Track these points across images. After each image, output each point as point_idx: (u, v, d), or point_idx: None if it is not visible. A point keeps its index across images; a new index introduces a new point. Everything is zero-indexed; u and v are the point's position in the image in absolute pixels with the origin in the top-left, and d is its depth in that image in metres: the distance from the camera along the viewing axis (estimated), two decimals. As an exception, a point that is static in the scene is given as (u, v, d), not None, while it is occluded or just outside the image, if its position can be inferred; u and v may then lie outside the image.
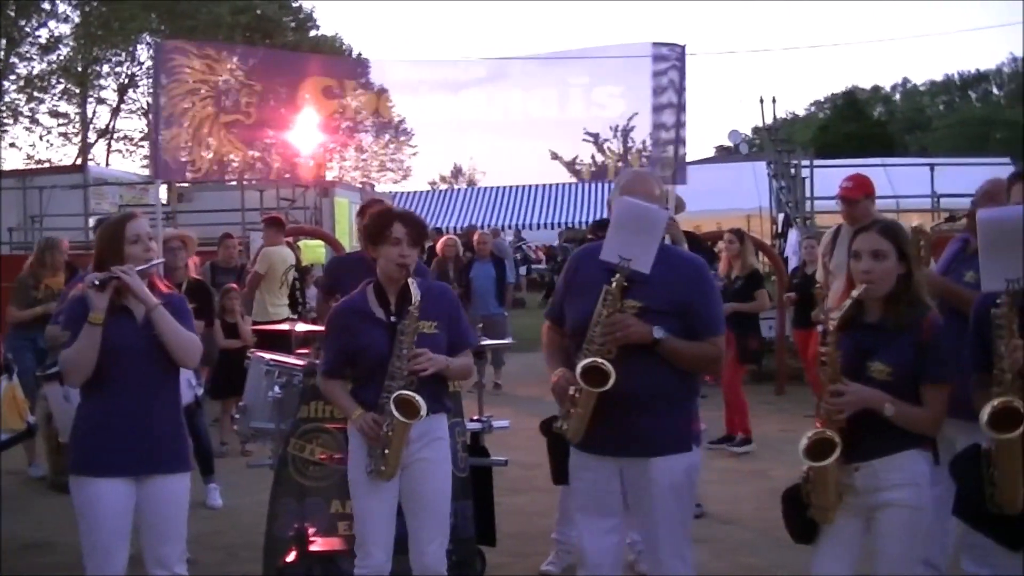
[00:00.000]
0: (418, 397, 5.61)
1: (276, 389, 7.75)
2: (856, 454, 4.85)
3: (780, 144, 23.42)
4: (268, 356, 8.18)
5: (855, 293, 4.92)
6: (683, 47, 10.82)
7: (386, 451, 5.72)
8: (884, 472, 4.92)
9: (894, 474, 4.92)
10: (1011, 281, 4.50)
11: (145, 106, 55.24)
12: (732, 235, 13.53)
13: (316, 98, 10.87)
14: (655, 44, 10.87)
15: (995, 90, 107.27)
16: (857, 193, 8.37)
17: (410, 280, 5.79)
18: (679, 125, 10.74)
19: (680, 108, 10.75)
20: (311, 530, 7.21)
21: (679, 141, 10.76)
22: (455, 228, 32.47)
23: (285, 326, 9.39)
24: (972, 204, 6.78)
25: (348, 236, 21.58)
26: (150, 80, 57.14)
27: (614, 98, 11.10)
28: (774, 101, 48.56)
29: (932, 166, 22.33)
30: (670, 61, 10.83)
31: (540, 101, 11.25)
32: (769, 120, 27.11)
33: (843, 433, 4.78)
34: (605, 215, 6.46)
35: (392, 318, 5.81)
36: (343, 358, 6.03)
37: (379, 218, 6.03)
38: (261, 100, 10.73)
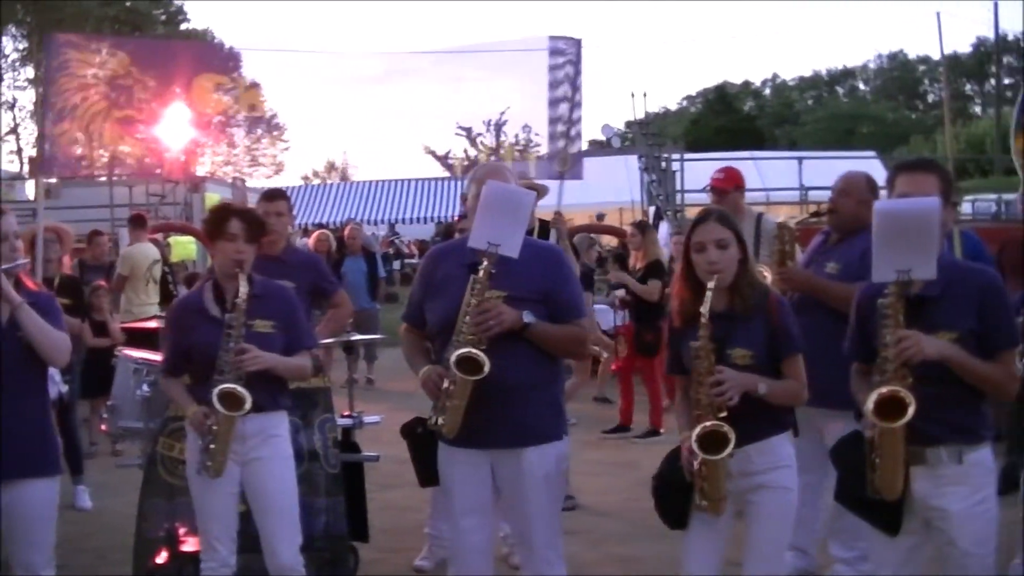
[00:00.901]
0: (240, 390, 5.55)
1: (144, 387, 7.62)
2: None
3: (651, 138, 23.67)
4: (136, 354, 8.04)
5: (711, 285, 5.01)
6: (579, 41, 10.83)
7: (212, 446, 5.69)
8: (757, 456, 5.08)
9: (766, 457, 5.10)
10: (901, 272, 4.58)
11: (11, 100, 54.09)
12: (635, 228, 13.66)
13: (205, 94, 10.71)
14: (552, 38, 10.87)
15: (861, 86, 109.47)
16: (728, 184, 8.51)
17: (242, 276, 5.75)
18: (573, 119, 10.76)
19: (575, 102, 10.77)
20: (181, 530, 7.09)
21: (574, 136, 10.79)
22: (331, 223, 32.25)
23: (153, 324, 9.27)
24: (830, 201, 6.91)
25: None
26: (15, 73, 56.27)
27: (512, 92, 11.08)
28: (645, 96, 49.07)
29: (800, 159, 22.72)
30: (567, 55, 10.84)
31: (421, 96, 11.19)
32: (641, 114, 27.38)
33: (728, 422, 4.89)
34: (460, 210, 6.48)
35: (226, 315, 5.76)
36: (180, 355, 5.99)
37: (216, 214, 6.03)
38: (154, 96, 10.55)
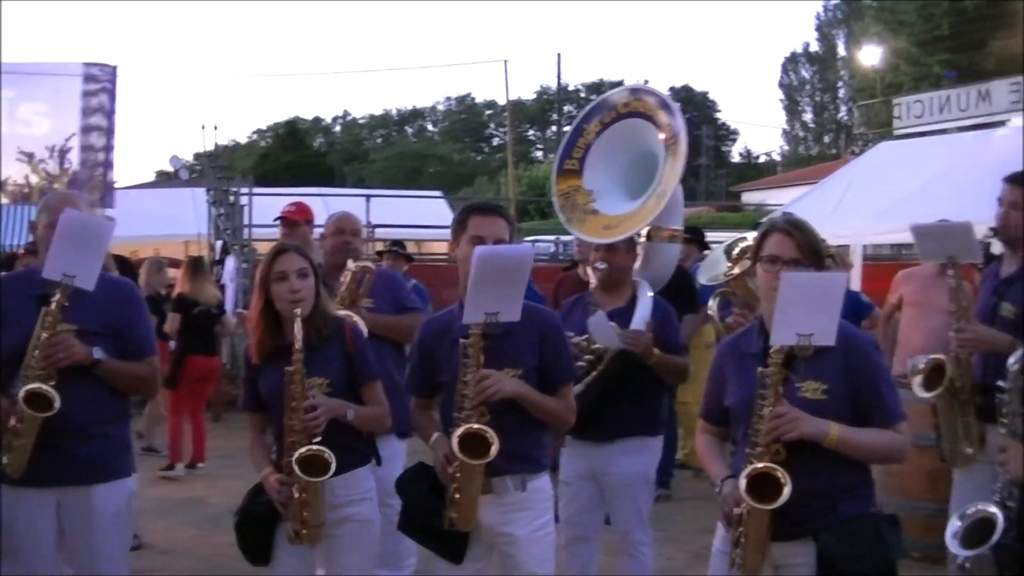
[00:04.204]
0: None
1: None
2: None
3: (220, 171, 23.37)
4: None
5: (297, 312, 5.06)
6: (114, 68, 10.61)
7: None
8: (341, 488, 5.15)
9: (350, 489, 5.20)
10: (489, 314, 4.75)
11: None
12: (189, 261, 13.52)
13: None
14: (86, 64, 10.60)
15: (430, 127, 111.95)
16: (299, 216, 8.56)
17: None
18: (108, 147, 10.52)
19: (109, 130, 10.54)
20: None
21: (107, 164, 10.55)
22: None
23: None
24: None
25: None
26: None
27: (40, 116, 10.72)
28: (216, 128, 48.59)
29: (368, 197, 22.94)
30: (101, 83, 10.61)
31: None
32: (210, 146, 27.12)
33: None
34: (29, 238, 6.28)
35: None
36: None
37: None
38: None
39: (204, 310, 12.75)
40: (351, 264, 7.13)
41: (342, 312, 6.64)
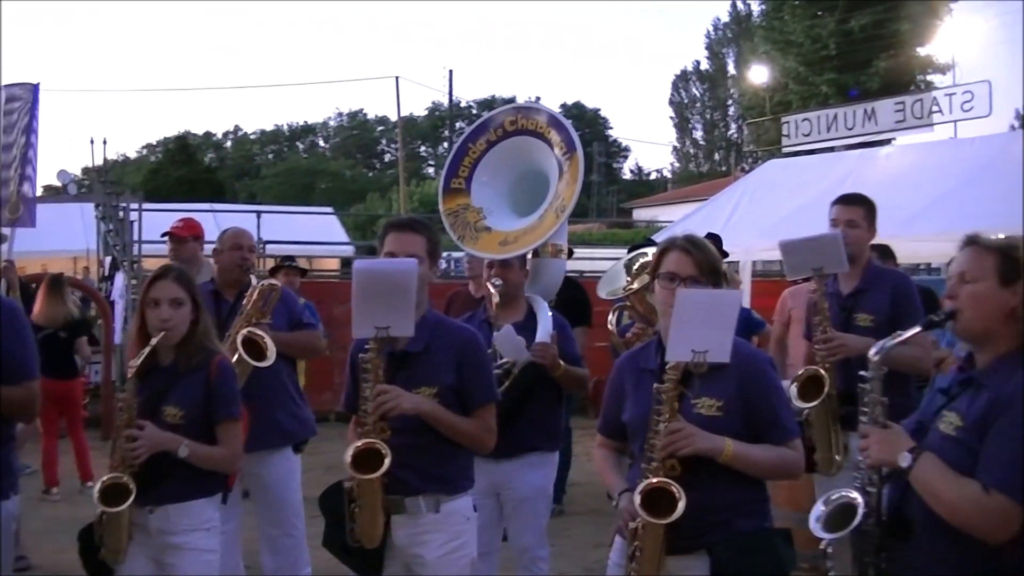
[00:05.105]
0: None
1: None
2: (151, 498, 5.06)
3: (109, 186, 23.04)
4: None
5: (154, 340, 5.12)
6: (36, 85, 10.44)
7: None
8: (177, 516, 5.15)
9: (185, 519, 5.18)
10: (379, 329, 4.73)
11: None
12: (47, 279, 13.23)
13: None
14: (8, 86, 10.43)
15: (321, 142, 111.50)
16: (186, 232, 8.49)
17: None
18: (27, 163, 10.33)
19: (29, 147, 10.35)
20: None
21: (28, 180, 10.36)
22: None
23: None
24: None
25: None
26: None
27: None
28: (105, 142, 47.90)
29: (259, 214, 22.76)
30: (22, 100, 10.42)
31: None
32: (99, 161, 26.75)
33: (139, 476, 4.97)
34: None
35: None
36: None
37: None
38: None
39: (50, 333, 12.04)
40: (255, 281, 7.07)
41: (247, 330, 6.64)
